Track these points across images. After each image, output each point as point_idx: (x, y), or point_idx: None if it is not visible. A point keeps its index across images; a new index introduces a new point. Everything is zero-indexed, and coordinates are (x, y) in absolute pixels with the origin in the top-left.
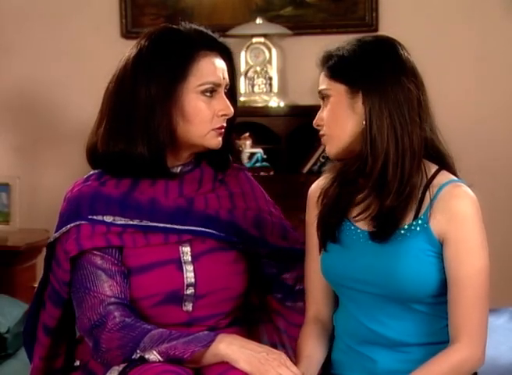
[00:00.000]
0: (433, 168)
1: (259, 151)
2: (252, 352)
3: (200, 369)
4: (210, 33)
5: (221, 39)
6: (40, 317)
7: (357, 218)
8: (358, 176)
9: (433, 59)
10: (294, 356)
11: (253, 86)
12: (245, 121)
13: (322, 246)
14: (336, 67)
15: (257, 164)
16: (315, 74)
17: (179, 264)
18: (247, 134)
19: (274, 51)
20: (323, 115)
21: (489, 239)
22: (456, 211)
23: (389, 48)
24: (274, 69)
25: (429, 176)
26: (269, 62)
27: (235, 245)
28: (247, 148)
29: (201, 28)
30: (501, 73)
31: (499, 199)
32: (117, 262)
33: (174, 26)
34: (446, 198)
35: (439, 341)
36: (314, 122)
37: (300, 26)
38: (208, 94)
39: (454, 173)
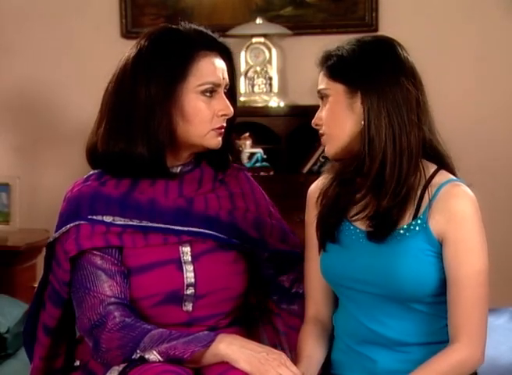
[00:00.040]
0: (432, 168)
1: (259, 151)
2: (252, 352)
3: (200, 369)
4: (210, 33)
5: (221, 39)
6: (40, 317)
7: (354, 218)
8: (356, 176)
9: (433, 59)
10: (293, 358)
11: (253, 86)
12: (245, 121)
13: (322, 246)
14: (335, 67)
15: (257, 164)
16: (315, 74)
17: (179, 264)
18: (247, 134)
19: (274, 51)
20: (322, 114)
21: (489, 239)
22: (455, 211)
23: (389, 48)
24: (274, 69)
25: (428, 176)
26: (269, 62)
27: (235, 246)
28: (247, 148)
29: (201, 28)
30: (501, 73)
31: (499, 199)
32: (117, 262)
33: (174, 26)
34: (445, 197)
35: (439, 340)
36: (313, 121)
37: (300, 26)
38: (208, 94)
39: (453, 173)
